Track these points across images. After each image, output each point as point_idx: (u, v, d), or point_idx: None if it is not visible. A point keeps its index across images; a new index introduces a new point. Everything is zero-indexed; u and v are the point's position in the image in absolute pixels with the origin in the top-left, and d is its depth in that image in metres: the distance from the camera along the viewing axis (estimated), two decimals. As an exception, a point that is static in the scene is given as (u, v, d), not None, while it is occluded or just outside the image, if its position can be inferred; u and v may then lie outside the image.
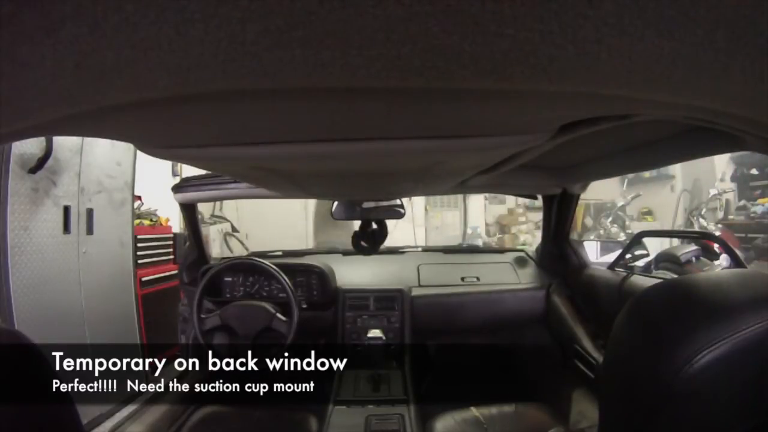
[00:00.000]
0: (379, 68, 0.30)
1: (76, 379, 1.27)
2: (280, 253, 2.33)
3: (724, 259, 2.88)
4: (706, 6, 0.24)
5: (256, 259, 1.77)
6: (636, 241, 1.65)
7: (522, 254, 2.27)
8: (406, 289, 1.96)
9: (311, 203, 5.67)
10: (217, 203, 4.97)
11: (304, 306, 1.79)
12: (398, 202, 1.45)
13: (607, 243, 4.55)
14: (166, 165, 3.90)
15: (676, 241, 3.85)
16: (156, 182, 3.23)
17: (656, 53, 0.29)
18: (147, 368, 1.54)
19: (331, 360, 1.91)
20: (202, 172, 1.71)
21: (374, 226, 1.54)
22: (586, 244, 2.20)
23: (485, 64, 0.30)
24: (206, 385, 1.93)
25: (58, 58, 0.28)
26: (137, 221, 2.87)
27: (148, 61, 0.29)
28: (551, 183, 1.58)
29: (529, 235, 7.55)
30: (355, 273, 2.11)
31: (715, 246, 2.85)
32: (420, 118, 0.47)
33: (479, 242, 6.82)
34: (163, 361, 1.63)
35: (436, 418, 1.50)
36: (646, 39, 0.27)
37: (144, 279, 2.92)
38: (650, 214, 6.85)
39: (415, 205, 6.41)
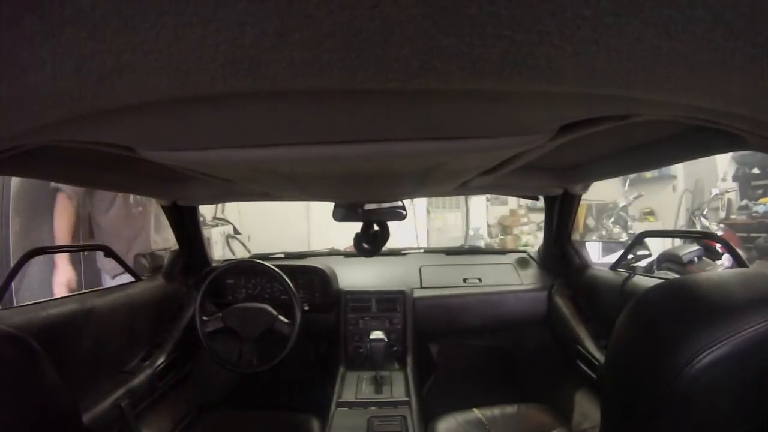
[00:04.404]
0: (378, 70, 0.30)
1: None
2: (282, 255, 2.33)
3: (726, 259, 2.87)
4: (704, 5, 0.25)
5: (258, 261, 1.77)
6: (638, 241, 1.65)
7: (524, 255, 2.27)
8: (408, 291, 1.96)
9: (313, 205, 5.68)
10: (219, 205, 4.97)
11: (306, 308, 1.79)
12: (400, 203, 1.45)
13: (609, 243, 4.55)
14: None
15: (678, 241, 3.84)
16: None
17: (655, 53, 0.29)
18: (150, 370, 1.55)
19: (333, 362, 1.91)
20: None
21: (376, 227, 1.54)
22: (588, 244, 2.19)
23: (483, 65, 0.30)
24: (208, 386, 1.93)
25: (58, 61, 0.29)
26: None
27: (148, 64, 0.29)
28: (552, 184, 1.58)
29: (531, 236, 7.55)
30: (357, 275, 2.11)
31: (717, 246, 2.84)
32: (420, 119, 0.47)
33: (481, 243, 6.82)
34: (165, 362, 1.64)
35: (438, 420, 1.50)
36: (644, 39, 0.27)
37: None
38: (652, 214, 6.84)
39: (416, 206, 6.41)
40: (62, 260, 2.20)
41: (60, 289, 2.12)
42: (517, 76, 0.32)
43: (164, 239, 2.38)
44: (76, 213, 2.24)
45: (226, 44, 0.27)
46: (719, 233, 4.47)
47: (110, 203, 2.25)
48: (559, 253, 1.95)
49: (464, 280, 2.08)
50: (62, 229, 2.19)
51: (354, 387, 1.62)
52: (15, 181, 2.48)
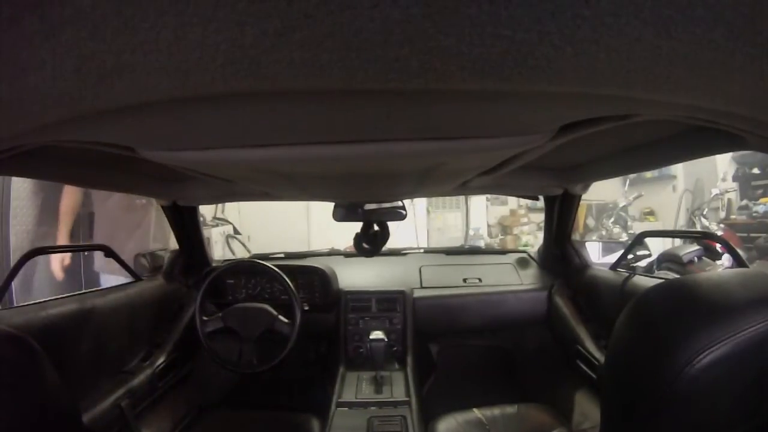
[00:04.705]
0: (378, 70, 0.30)
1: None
2: (282, 255, 2.33)
3: (726, 259, 2.87)
4: (704, 5, 0.25)
5: (258, 261, 1.77)
6: (638, 241, 1.65)
7: (524, 255, 2.27)
8: (408, 291, 1.96)
9: (313, 205, 5.68)
10: (219, 205, 4.97)
11: (306, 308, 1.79)
12: (400, 203, 1.45)
13: (609, 243, 4.55)
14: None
15: (678, 241, 3.84)
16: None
17: (654, 53, 0.29)
18: (150, 370, 1.55)
19: (333, 362, 1.91)
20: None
21: (376, 227, 1.53)
22: (588, 244, 2.19)
23: (483, 65, 0.30)
24: (208, 386, 1.93)
25: (58, 61, 0.29)
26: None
27: (148, 64, 0.29)
28: (552, 184, 1.58)
29: (531, 236, 7.54)
30: (357, 275, 2.11)
31: (717, 246, 2.84)
32: (420, 119, 0.47)
33: (481, 243, 6.81)
34: (165, 362, 1.64)
35: (438, 420, 1.50)
36: (644, 39, 0.27)
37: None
38: (652, 214, 6.84)
39: (416, 206, 6.41)
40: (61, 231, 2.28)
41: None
42: (517, 76, 0.32)
43: (163, 236, 2.39)
44: (82, 194, 2.29)
45: (226, 44, 0.27)
46: (719, 233, 4.46)
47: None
48: (559, 253, 1.95)
49: (464, 280, 2.08)
50: (66, 203, 2.30)
51: (354, 387, 1.62)
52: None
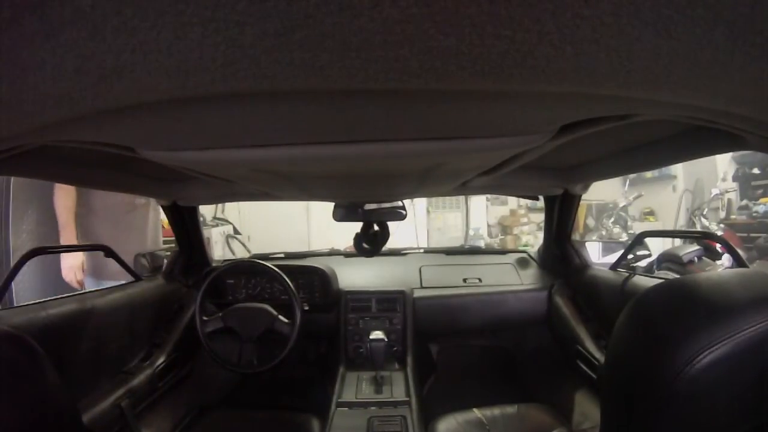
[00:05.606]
0: (378, 70, 0.30)
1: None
2: (282, 255, 2.33)
3: (726, 259, 2.87)
4: (704, 5, 0.24)
5: (258, 261, 1.77)
6: (638, 241, 1.65)
7: (524, 255, 2.27)
8: (408, 291, 1.96)
9: (313, 205, 5.68)
10: (219, 205, 4.97)
11: (306, 308, 1.79)
12: (400, 203, 1.45)
13: (609, 243, 4.54)
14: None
15: (678, 241, 3.84)
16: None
17: (654, 53, 0.29)
18: (150, 370, 1.55)
19: (333, 362, 1.91)
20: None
21: (376, 227, 1.53)
22: (588, 244, 2.19)
23: (483, 65, 0.30)
24: (208, 386, 1.93)
25: (58, 62, 0.28)
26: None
27: (148, 64, 0.29)
28: (552, 184, 1.58)
29: (531, 236, 7.55)
30: (357, 275, 2.11)
31: (717, 246, 2.83)
32: (420, 119, 0.47)
33: (481, 243, 6.81)
34: (165, 362, 1.64)
35: (438, 420, 1.50)
36: (644, 39, 0.27)
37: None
38: (652, 214, 6.84)
39: (416, 206, 6.41)
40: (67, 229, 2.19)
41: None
42: (516, 76, 0.32)
43: (154, 238, 2.36)
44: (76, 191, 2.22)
45: (226, 44, 0.27)
46: (719, 233, 4.46)
47: None
48: (559, 253, 1.95)
49: (464, 280, 2.08)
50: (61, 204, 2.14)
51: (354, 387, 1.62)
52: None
